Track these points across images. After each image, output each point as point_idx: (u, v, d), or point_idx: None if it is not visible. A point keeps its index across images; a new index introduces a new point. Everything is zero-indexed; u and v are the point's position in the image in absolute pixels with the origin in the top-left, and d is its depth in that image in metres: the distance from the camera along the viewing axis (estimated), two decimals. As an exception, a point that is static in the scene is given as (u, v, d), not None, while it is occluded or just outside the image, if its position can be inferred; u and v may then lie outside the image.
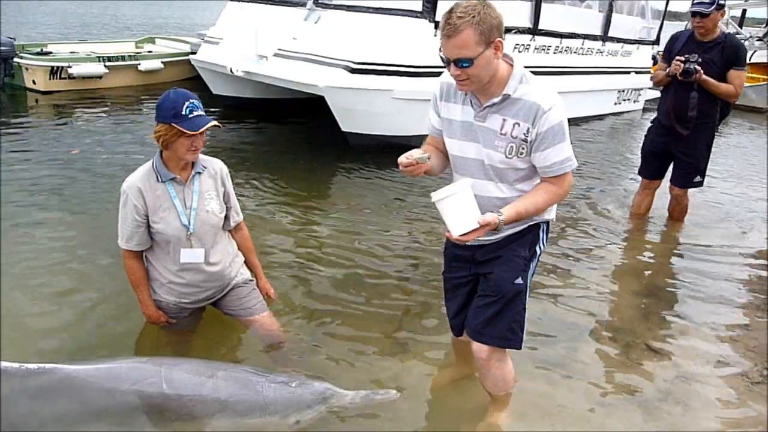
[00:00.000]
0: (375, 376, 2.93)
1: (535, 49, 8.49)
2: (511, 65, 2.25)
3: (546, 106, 2.18)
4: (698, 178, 4.91)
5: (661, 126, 4.88)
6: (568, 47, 9.11)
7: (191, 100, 2.59)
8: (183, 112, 2.55)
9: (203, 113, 2.62)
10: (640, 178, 5.31)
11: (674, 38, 4.78)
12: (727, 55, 4.41)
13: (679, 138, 4.74)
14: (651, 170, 5.12)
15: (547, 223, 2.50)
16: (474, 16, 2.05)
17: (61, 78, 9.67)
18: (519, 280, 2.40)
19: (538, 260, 2.53)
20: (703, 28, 4.44)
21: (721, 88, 4.40)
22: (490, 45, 2.11)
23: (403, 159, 2.29)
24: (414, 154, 2.31)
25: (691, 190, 5.12)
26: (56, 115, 8.57)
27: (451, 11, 2.10)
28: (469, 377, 2.97)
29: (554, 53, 8.88)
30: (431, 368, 3.06)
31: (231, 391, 2.36)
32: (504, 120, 2.25)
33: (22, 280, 3.66)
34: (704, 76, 4.38)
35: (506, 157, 2.28)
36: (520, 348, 2.48)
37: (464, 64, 2.12)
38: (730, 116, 5.39)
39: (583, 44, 9.41)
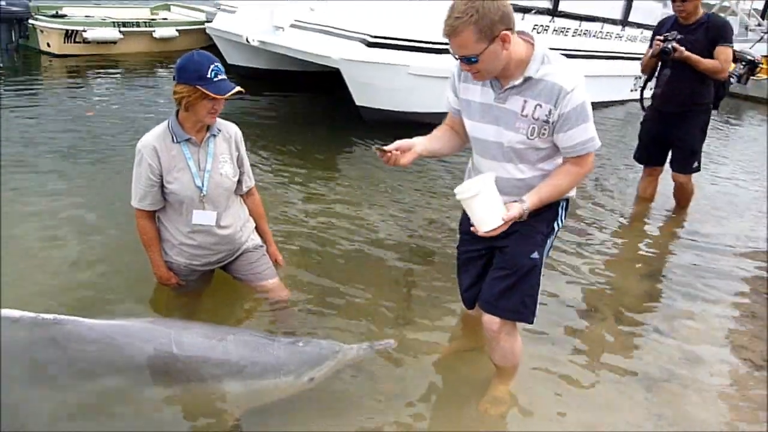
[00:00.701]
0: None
1: (554, 30, 8.39)
2: (532, 45, 2.21)
3: (569, 86, 2.15)
4: (695, 164, 4.88)
5: (655, 112, 4.88)
6: (587, 30, 9.00)
7: (215, 63, 2.58)
8: (208, 75, 2.54)
9: (226, 78, 2.61)
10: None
11: (661, 24, 4.79)
12: (711, 33, 4.39)
13: (673, 124, 4.72)
14: (648, 157, 5.11)
15: (567, 200, 2.49)
16: (472, 15, 2.02)
17: (75, 42, 9.67)
18: (535, 255, 2.40)
19: (555, 237, 2.52)
20: (684, 12, 4.44)
21: (705, 63, 4.35)
22: (494, 40, 2.07)
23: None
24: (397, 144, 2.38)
25: (705, 182, 5.06)
26: (70, 78, 8.56)
27: (450, 10, 2.07)
28: (475, 350, 2.99)
29: (573, 36, 8.78)
30: (437, 339, 3.07)
31: (242, 354, 2.37)
32: (525, 101, 2.22)
33: (32, 242, 3.69)
34: (686, 53, 4.33)
35: (528, 138, 2.26)
36: (531, 322, 2.48)
37: (470, 61, 2.11)
38: (747, 110, 5.33)
39: (602, 28, 9.30)
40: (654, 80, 4.88)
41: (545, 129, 2.23)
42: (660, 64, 4.64)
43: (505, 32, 2.07)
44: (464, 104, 2.40)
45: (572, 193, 2.46)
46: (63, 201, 4.29)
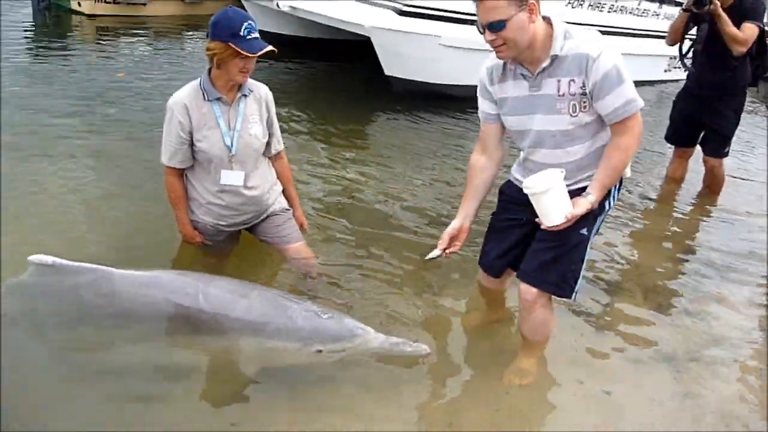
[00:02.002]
0: (400, 312, 2.94)
1: (590, 5, 8.20)
2: (551, 25, 2.21)
3: (594, 53, 2.15)
4: (727, 148, 4.76)
5: (688, 93, 4.77)
6: (623, 7, 8.78)
7: (249, 21, 2.54)
8: (241, 33, 2.50)
9: (258, 36, 2.57)
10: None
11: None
12: (743, 9, 4.23)
13: (706, 106, 4.59)
14: (679, 138, 4.98)
15: (621, 181, 2.47)
16: None
17: (106, 2, 9.68)
18: (584, 231, 2.37)
19: (605, 215, 2.51)
20: None
21: (731, 28, 4.18)
22: (523, 7, 2.09)
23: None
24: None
25: (735, 164, 4.93)
26: (101, 39, 8.60)
27: None
28: (498, 322, 2.97)
29: (608, 12, 8.58)
30: (459, 310, 3.06)
31: (262, 312, 2.38)
32: (559, 81, 2.23)
33: (57, 200, 3.74)
34: (719, 10, 4.16)
35: (572, 116, 2.27)
36: (569, 297, 2.47)
37: (497, 27, 2.11)
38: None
39: (639, 5, 9.06)
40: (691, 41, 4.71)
41: (585, 101, 2.23)
42: (696, 26, 4.46)
43: (533, 2, 2.09)
44: (501, 104, 2.40)
45: (627, 173, 2.43)
46: (88, 162, 4.33)
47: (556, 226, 2.25)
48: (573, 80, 2.20)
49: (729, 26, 4.19)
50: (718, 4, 4.16)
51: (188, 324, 2.32)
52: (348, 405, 2.37)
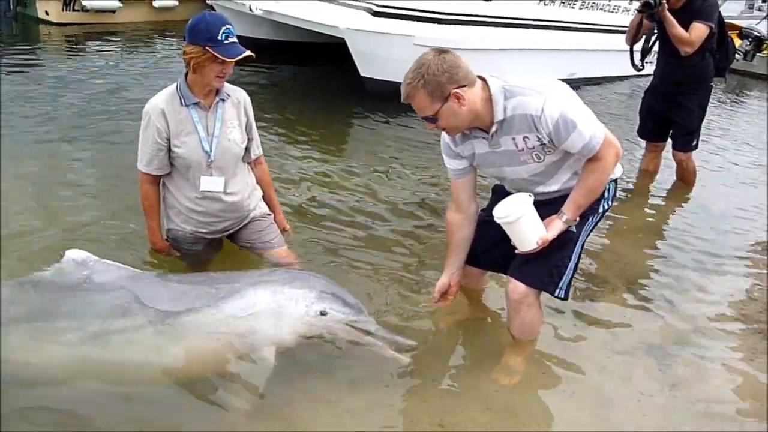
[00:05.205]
0: (383, 309, 2.91)
1: (561, 2, 8.27)
2: (488, 89, 2.24)
3: (536, 111, 2.20)
4: (694, 142, 4.84)
5: (655, 89, 4.87)
6: (594, 3, 8.87)
7: (227, 26, 2.50)
8: (219, 37, 2.47)
9: (237, 41, 2.54)
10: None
11: None
12: (692, 10, 4.30)
13: (672, 101, 4.69)
14: (649, 133, 5.08)
15: (615, 181, 2.51)
16: (419, 80, 2.14)
17: (74, 10, 9.54)
18: (572, 228, 2.40)
19: (601, 217, 2.56)
20: None
21: (677, 29, 4.26)
22: (447, 99, 2.16)
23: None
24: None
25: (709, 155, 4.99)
26: (69, 48, 8.46)
27: (404, 77, 2.20)
28: (480, 320, 2.98)
29: (580, 9, 8.66)
30: (446, 309, 3.02)
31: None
32: (513, 138, 2.29)
33: (37, 201, 3.70)
34: (665, 12, 4.23)
35: (537, 162, 2.34)
36: (553, 294, 2.49)
37: (431, 120, 2.23)
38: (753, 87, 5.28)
39: (610, 1, 9.16)
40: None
41: (548, 148, 2.30)
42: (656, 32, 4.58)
43: (456, 91, 2.16)
44: (471, 159, 2.46)
45: (618, 173, 2.48)
46: (66, 166, 4.29)
47: (531, 250, 2.31)
48: (527, 137, 2.27)
49: (675, 28, 4.27)
50: (665, 6, 4.22)
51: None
52: (337, 404, 2.34)
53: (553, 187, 2.43)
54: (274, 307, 2.28)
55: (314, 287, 2.36)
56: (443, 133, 2.45)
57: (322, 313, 2.29)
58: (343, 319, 2.31)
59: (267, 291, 2.32)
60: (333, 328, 2.31)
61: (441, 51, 2.19)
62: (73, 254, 2.41)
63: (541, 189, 2.43)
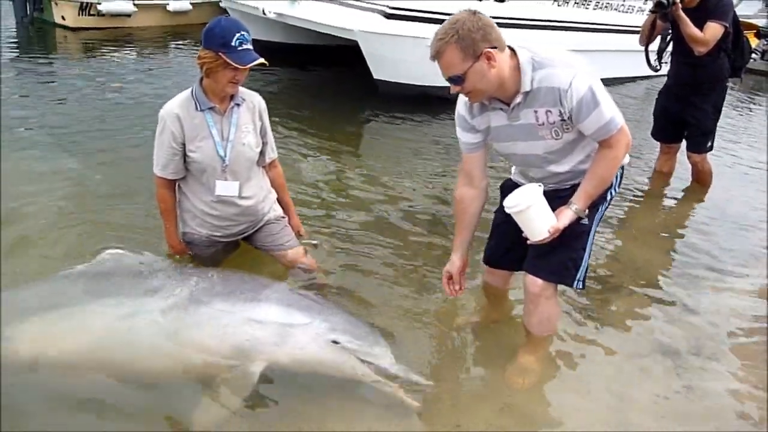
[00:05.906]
0: (400, 311, 2.94)
1: (576, 3, 8.24)
2: (517, 58, 2.22)
3: (565, 84, 2.18)
4: (709, 143, 4.78)
5: (669, 90, 4.82)
6: (609, 3, 8.83)
7: (242, 32, 2.50)
8: (232, 43, 2.47)
9: (251, 48, 2.54)
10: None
11: None
12: (707, 9, 4.25)
13: (685, 101, 4.64)
14: (663, 134, 5.03)
15: (622, 167, 2.49)
16: (453, 35, 2.09)
17: (90, 14, 9.62)
18: (584, 220, 2.40)
19: (608, 205, 2.56)
20: None
21: (691, 29, 4.21)
22: (479, 57, 2.11)
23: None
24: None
25: (724, 155, 4.94)
26: (86, 52, 8.54)
27: (435, 34, 2.14)
28: (498, 322, 2.97)
29: (594, 9, 8.62)
30: (464, 309, 3.04)
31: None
32: (536, 111, 2.26)
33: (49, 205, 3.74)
34: (679, 12, 4.18)
35: (555, 139, 2.31)
36: (572, 285, 2.51)
37: (456, 81, 2.17)
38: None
39: (624, 1, 9.12)
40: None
41: (566, 125, 2.28)
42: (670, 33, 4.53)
43: (489, 50, 2.11)
44: (486, 133, 2.44)
45: (626, 161, 2.46)
46: (80, 172, 4.32)
47: (542, 240, 2.30)
48: (549, 111, 2.24)
49: (689, 27, 4.22)
50: (679, 5, 4.19)
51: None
52: (353, 404, 2.35)
53: (564, 167, 2.41)
54: (283, 324, 2.31)
55: (330, 317, 2.36)
56: (459, 106, 2.42)
57: (334, 342, 2.27)
58: (355, 351, 2.26)
59: (281, 308, 2.37)
60: (341, 360, 2.26)
61: (474, 11, 2.14)
62: (110, 251, 2.68)
63: (552, 168, 2.42)
